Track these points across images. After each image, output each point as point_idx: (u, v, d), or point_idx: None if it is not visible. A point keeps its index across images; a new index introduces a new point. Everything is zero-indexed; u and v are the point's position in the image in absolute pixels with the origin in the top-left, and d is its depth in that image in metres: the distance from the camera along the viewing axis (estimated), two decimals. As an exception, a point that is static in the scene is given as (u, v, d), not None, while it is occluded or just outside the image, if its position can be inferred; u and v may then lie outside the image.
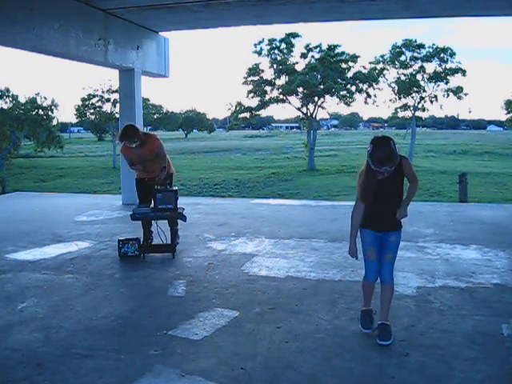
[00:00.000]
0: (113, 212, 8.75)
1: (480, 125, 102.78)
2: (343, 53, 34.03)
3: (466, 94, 35.95)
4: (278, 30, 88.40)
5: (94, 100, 42.05)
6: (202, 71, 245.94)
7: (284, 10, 8.33)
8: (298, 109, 35.25)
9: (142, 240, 5.95)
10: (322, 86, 33.65)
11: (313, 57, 34.44)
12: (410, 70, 35.91)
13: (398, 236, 3.61)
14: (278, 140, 63.90)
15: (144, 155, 5.85)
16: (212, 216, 8.28)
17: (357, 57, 34.02)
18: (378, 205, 3.48)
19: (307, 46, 34.49)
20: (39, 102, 35.38)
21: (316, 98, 34.50)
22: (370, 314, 3.73)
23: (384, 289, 3.62)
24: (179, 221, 6.04)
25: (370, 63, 35.55)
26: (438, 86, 35.86)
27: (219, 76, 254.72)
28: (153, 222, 5.99)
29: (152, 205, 5.76)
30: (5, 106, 35.05)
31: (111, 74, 43.80)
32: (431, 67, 35.68)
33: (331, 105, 72.51)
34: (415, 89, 35.91)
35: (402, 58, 35.85)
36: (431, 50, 35.39)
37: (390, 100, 36.86)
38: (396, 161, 3.27)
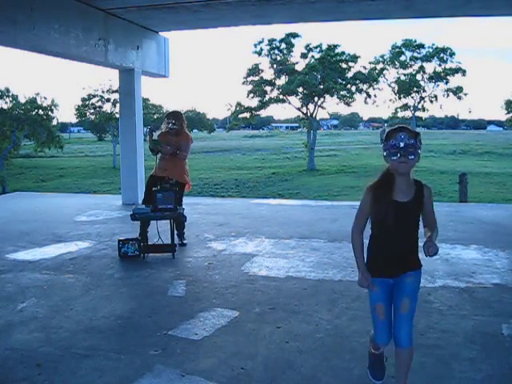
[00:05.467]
0: (113, 212, 8.75)
1: (480, 125, 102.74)
2: (343, 53, 34.08)
3: (465, 94, 36.10)
4: (278, 30, 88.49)
5: (93, 100, 42.11)
6: (202, 71, 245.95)
7: (284, 10, 8.33)
8: (298, 109, 35.28)
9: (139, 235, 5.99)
10: (321, 86, 33.69)
11: (313, 57, 34.50)
12: (409, 70, 36.00)
13: (417, 277, 2.73)
14: (278, 140, 63.92)
15: (176, 144, 6.09)
16: (212, 216, 8.28)
17: (357, 57, 34.06)
18: (392, 240, 2.65)
19: (307, 45, 34.55)
20: (39, 102, 35.43)
21: (316, 98, 34.53)
22: (383, 361, 2.93)
23: (400, 354, 2.69)
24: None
25: (369, 63, 35.64)
26: (438, 85, 35.95)
27: (219, 76, 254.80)
28: (152, 222, 5.99)
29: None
30: (5, 106, 35.12)
31: (111, 74, 43.82)
32: (431, 67, 35.78)
33: (331, 105, 72.51)
34: (415, 89, 35.98)
35: (402, 57, 35.92)
36: (431, 50, 35.45)
37: (390, 100, 37.02)
38: (415, 134, 2.56)
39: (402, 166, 2.55)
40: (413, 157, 2.54)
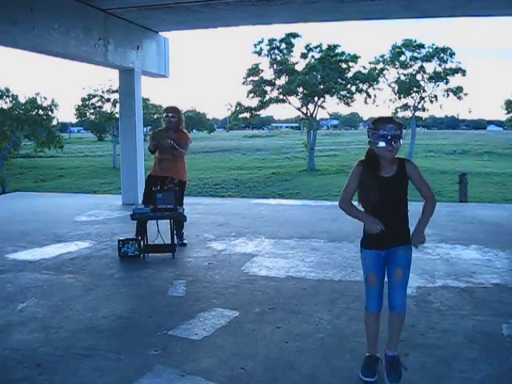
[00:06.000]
0: (113, 212, 8.75)
1: (480, 125, 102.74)
2: (343, 53, 34.07)
3: (465, 94, 36.00)
4: (278, 30, 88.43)
5: (94, 100, 42.10)
6: (202, 71, 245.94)
7: (284, 10, 8.33)
8: (298, 109, 35.27)
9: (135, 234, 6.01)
10: (321, 86, 33.68)
11: (313, 57, 34.47)
12: (409, 70, 35.95)
13: (407, 250, 2.98)
14: (278, 140, 63.91)
15: (176, 141, 6.08)
16: (212, 216, 8.28)
17: (357, 57, 34.04)
18: (381, 214, 2.89)
19: (307, 45, 34.53)
20: (39, 102, 35.42)
21: (316, 98, 34.52)
22: (376, 363, 3.07)
23: (393, 319, 3.00)
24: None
25: (369, 63, 35.61)
26: (438, 86, 35.90)
27: (219, 76, 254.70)
28: (152, 222, 5.98)
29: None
30: (5, 106, 35.10)
31: (111, 74, 43.80)
32: (431, 67, 35.74)
33: (331, 105, 72.39)
34: (415, 89, 35.94)
35: (402, 58, 35.88)
36: (431, 50, 35.42)
37: (390, 100, 36.91)
38: (399, 126, 2.86)
39: (388, 153, 2.88)
40: (397, 145, 2.86)
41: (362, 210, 3.00)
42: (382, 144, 2.84)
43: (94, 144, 60.41)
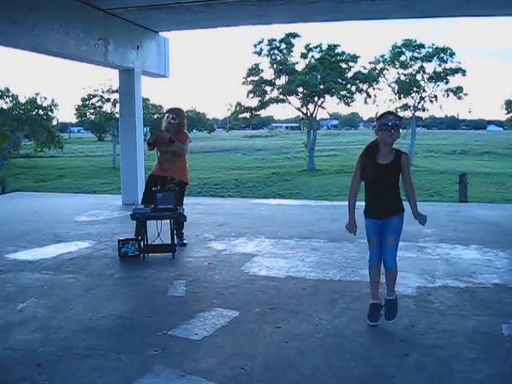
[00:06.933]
0: (113, 212, 8.75)
1: (480, 125, 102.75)
2: (343, 53, 34.09)
3: (465, 94, 36.01)
4: (278, 30, 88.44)
5: (94, 100, 42.09)
6: (202, 71, 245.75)
7: (284, 10, 8.33)
8: (298, 109, 35.28)
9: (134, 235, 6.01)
10: (321, 86, 33.69)
11: (313, 57, 34.49)
12: (409, 70, 35.95)
13: (399, 219, 3.74)
14: (278, 140, 63.93)
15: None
16: (212, 216, 8.28)
17: (357, 57, 34.06)
18: (377, 192, 3.72)
19: (307, 45, 34.54)
20: (39, 102, 35.47)
21: (316, 98, 34.53)
22: (379, 309, 3.80)
23: (388, 273, 3.82)
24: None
25: (370, 63, 35.61)
26: (438, 86, 35.90)
27: (219, 76, 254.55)
28: (152, 223, 5.98)
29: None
30: (5, 106, 35.14)
31: (111, 74, 43.81)
32: (431, 67, 35.74)
33: (331, 105, 72.38)
34: (415, 89, 35.94)
35: (402, 58, 35.88)
36: (431, 50, 35.42)
37: (390, 100, 36.91)
38: (399, 118, 3.64)
39: (389, 139, 3.62)
40: (397, 133, 3.62)
41: (365, 188, 3.80)
42: (384, 131, 3.59)
43: (94, 144, 60.42)
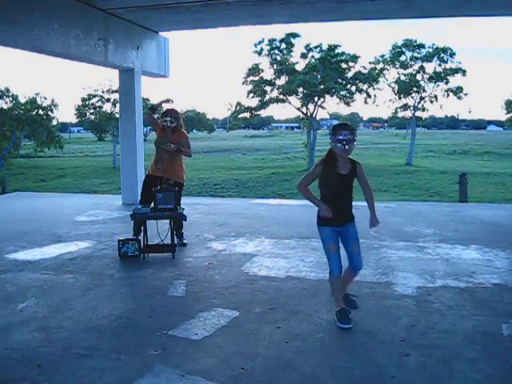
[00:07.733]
0: (113, 212, 8.75)
1: (480, 125, 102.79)
2: (343, 53, 34.02)
3: (465, 94, 36.01)
4: (278, 30, 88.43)
5: (94, 100, 42.10)
6: (202, 71, 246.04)
7: (284, 10, 8.33)
8: (298, 109, 35.26)
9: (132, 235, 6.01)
10: (322, 86, 33.65)
11: (313, 57, 34.44)
12: (410, 70, 35.94)
13: (354, 226, 3.92)
14: (278, 140, 63.92)
15: (172, 140, 6.07)
16: (212, 216, 8.28)
17: (357, 57, 34.00)
18: (338, 201, 3.81)
19: (307, 45, 34.49)
20: (39, 102, 35.45)
21: (316, 98, 34.50)
22: (347, 313, 3.85)
23: (353, 273, 3.99)
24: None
25: (369, 63, 35.59)
26: (438, 85, 35.89)
27: (219, 76, 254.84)
28: (151, 223, 5.98)
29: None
30: (5, 106, 35.11)
31: (111, 74, 43.81)
32: (431, 67, 35.74)
33: (331, 105, 72.42)
34: (415, 89, 35.93)
35: (402, 57, 35.88)
36: (431, 50, 35.42)
37: (390, 100, 36.94)
38: (353, 131, 3.70)
39: (344, 153, 3.73)
40: (351, 147, 3.70)
41: (322, 195, 3.87)
42: (339, 146, 3.68)
43: (94, 144, 60.39)
